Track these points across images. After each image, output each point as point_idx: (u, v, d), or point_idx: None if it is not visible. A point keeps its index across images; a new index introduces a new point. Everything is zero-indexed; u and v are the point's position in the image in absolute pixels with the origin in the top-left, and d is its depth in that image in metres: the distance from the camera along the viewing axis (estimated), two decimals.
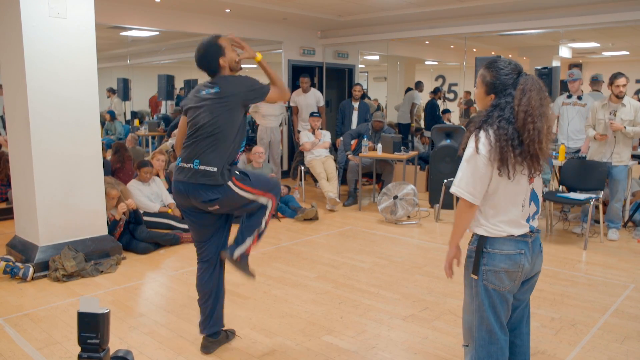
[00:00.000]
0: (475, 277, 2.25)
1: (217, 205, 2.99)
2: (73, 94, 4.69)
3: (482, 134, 2.15)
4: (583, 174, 5.72)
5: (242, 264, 3.14)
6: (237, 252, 3.10)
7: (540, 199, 2.32)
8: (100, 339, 2.14)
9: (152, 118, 10.46)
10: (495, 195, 2.19)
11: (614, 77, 5.52)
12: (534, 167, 2.15)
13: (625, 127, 5.42)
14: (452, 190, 2.22)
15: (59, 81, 4.59)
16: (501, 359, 2.27)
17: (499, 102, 2.16)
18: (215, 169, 2.93)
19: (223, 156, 2.94)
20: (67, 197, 4.73)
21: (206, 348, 3.23)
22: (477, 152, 2.13)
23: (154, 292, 4.34)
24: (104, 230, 4.99)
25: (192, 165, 2.95)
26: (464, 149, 2.22)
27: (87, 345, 2.15)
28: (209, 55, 3.05)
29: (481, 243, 2.24)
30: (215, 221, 3.19)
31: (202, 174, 2.92)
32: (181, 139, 3.15)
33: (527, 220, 2.24)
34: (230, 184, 2.96)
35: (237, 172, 3.05)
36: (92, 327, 2.13)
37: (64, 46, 4.59)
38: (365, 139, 7.26)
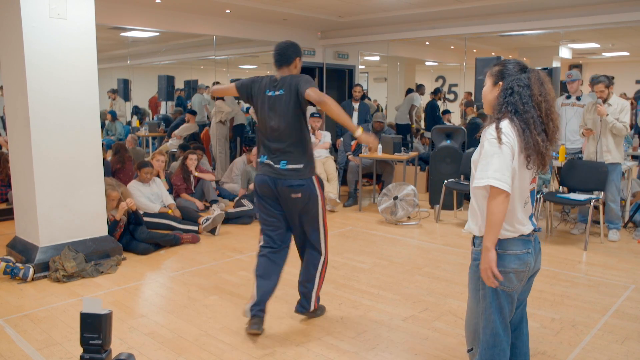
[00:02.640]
0: None
1: (300, 194, 3.34)
2: (73, 95, 4.69)
3: (504, 123, 2.12)
4: (583, 174, 5.72)
5: (318, 312, 3.72)
6: (312, 307, 3.62)
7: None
8: (103, 340, 2.14)
9: (152, 119, 10.47)
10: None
11: (593, 82, 5.59)
12: (544, 162, 2.15)
13: (607, 114, 5.43)
14: (482, 183, 2.08)
15: (59, 82, 4.59)
16: None
17: (511, 85, 2.15)
18: (301, 166, 3.34)
19: (305, 153, 3.37)
20: (67, 197, 4.73)
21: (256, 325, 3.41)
22: (501, 142, 2.07)
23: (154, 293, 4.34)
24: (104, 231, 4.99)
25: (279, 167, 3.34)
26: (479, 137, 2.19)
27: (90, 346, 2.15)
28: (290, 50, 3.48)
29: None
30: (282, 219, 3.50)
31: (290, 170, 3.33)
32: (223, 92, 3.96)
33: (530, 218, 2.25)
34: (313, 178, 3.39)
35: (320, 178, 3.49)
36: (94, 328, 2.13)
37: (64, 47, 4.59)
38: None
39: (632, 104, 10.13)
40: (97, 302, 2.14)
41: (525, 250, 2.19)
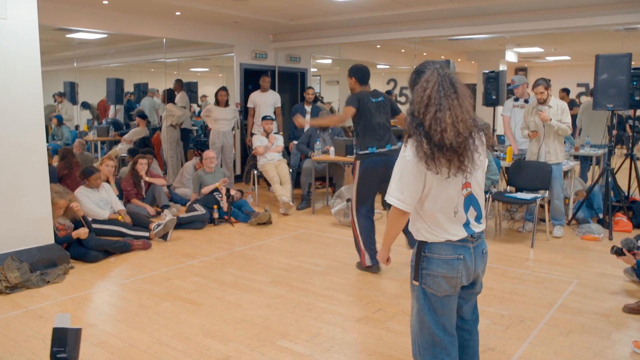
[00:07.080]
0: (417, 284, 2.23)
1: None
2: (16, 98, 4.53)
3: (410, 140, 2.14)
4: (529, 174, 5.92)
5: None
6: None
7: (482, 202, 2.27)
8: (69, 354, 2.16)
9: (101, 122, 10.20)
10: (426, 201, 2.17)
11: (534, 85, 5.83)
12: (459, 162, 2.09)
13: (550, 119, 5.65)
14: (385, 197, 2.20)
15: (0, 84, 4.42)
16: None
17: (411, 100, 2.20)
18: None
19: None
20: (10, 204, 4.55)
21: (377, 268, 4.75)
22: (404, 158, 2.14)
23: (104, 302, 4.23)
24: (50, 239, 4.83)
25: (386, 149, 4.70)
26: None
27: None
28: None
29: (420, 248, 2.22)
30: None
31: (396, 150, 4.28)
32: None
33: (466, 225, 2.21)
34: None
35: None
36: (61, 343, 2.17)
37: (4, 48, 4.43)
38: (318, 143, 7.30)
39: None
40: (66, 317, 2.21)
41: (456, 256, 2.16)
